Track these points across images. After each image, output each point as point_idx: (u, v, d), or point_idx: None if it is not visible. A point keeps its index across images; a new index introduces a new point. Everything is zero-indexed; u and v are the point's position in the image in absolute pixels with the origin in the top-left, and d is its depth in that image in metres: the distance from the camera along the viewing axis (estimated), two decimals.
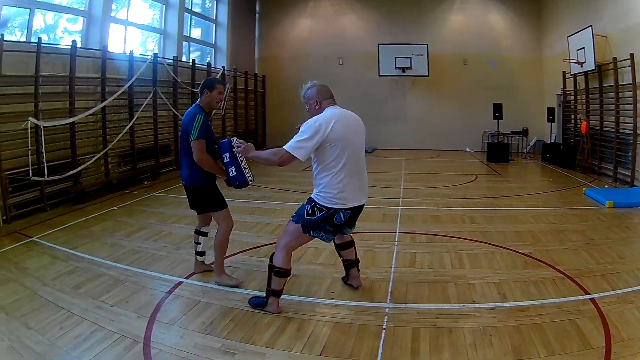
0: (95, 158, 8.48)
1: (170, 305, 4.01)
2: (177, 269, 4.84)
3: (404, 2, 17.54)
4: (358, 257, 4.43)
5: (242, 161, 4.06)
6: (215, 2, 15.56)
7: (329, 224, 3.69)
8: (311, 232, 3.73)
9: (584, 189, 9.38)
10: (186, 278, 4.64)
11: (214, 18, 15.49)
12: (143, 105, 9.83)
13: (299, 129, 3.63)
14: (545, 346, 3.37)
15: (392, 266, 5.12)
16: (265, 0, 18.68)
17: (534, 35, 17.05)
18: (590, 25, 11.01)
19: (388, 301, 4.19)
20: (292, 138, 3.56)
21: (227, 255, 5.25)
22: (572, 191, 9.63)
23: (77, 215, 7.23)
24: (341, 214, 3.66)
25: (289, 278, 3.95)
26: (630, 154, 9.93)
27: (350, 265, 4.39)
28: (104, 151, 8.81)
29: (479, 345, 3.42)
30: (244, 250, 5.58)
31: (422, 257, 5.39)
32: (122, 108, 9.60)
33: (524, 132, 16.39)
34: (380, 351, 3.34)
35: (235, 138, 4.12)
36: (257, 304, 3.93)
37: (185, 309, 3.93)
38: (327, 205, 3.62)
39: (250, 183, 4.16)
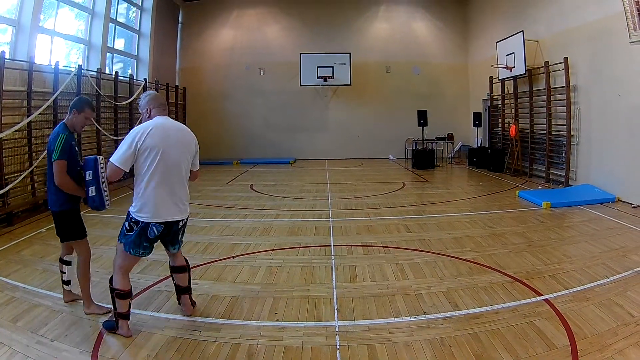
0: (22, 177, 8.39)
1: (111, 338, 3.85)
2: None
3: (327, 12, 18.11)
4: (191, 284, 4.36)
5: (103, 183, 3.94)
6: (139, 12, 15.56)
7: (145, 239, 3.75)
8: (131, 250, 3.76)
9: (517, 191, 9.95)
10: None
11: (138, 29, 15.53)
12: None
13: None
14: (509, 351, 3.45)
15: (333, 281, 5.07)
16: (189, 10, 18.59)
17: (459, 41, 18.19)
18: (522, 31, 11.87)
19: (336, 319, 4.14)
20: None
21: (161, 278, 5.15)
22: (505, 194, 10.15)
23: (7, 239, 7.10)
24: (153, 228, 3.72)
25: (131, 299, 3.93)
26: (564, 154, 10.71)
27: (182, 291, 4.27)
28: (30, 169, 8.73)
29: (440, 357, 3.43)
30: None
31: (362, 270, 5.39)
32: (48, 123, 9.57)
33: (449, 137, 17.18)
34: None
35: (101, 157, 3.98)
36: (109, 327, 3.89)
37: (126, 341, 3.78)
38: (138, 218, 3.70)
39: (107, 207, 4.04)
